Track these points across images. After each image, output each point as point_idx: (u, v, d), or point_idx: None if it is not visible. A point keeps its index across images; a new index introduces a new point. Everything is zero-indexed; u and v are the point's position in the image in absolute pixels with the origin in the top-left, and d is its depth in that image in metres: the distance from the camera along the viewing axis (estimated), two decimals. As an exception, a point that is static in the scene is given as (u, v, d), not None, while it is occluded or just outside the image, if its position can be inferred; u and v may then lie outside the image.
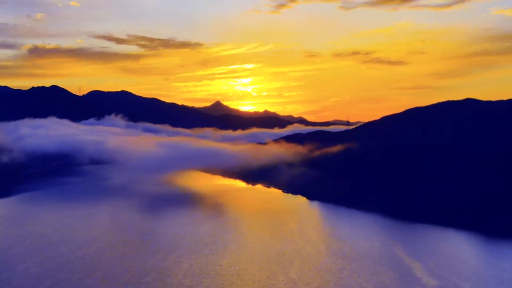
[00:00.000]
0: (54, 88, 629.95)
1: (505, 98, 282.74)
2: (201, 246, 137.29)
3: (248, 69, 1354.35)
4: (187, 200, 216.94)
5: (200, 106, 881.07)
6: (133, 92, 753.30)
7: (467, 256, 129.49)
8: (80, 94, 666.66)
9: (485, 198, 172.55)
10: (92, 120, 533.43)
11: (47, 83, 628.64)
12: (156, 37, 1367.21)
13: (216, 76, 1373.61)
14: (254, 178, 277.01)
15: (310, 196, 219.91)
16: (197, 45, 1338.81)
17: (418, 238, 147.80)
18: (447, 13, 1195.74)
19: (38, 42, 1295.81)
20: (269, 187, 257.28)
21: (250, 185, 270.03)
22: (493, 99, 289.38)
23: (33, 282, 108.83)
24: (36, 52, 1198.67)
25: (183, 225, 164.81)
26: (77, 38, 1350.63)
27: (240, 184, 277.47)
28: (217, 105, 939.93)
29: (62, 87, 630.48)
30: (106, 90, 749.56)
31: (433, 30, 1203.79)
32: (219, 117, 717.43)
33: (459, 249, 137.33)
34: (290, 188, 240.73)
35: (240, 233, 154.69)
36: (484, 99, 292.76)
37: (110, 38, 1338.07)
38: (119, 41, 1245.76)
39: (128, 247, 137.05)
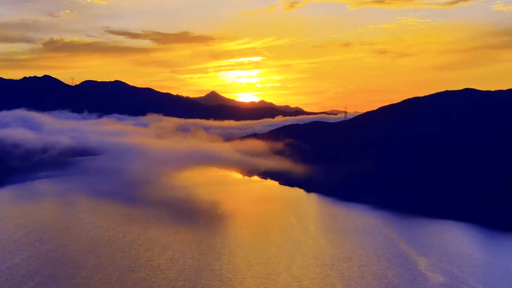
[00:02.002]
0: (46, 78, 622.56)
1: (504, 88, 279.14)
2: (198, 241, 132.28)
3: (256, 62, 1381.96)
4: (181, 192, 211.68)
5: (195, 97, 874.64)
6: (131, 84, 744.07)
7: (472, 250, 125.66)
8: (73, 84, 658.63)
9: (487, 190, 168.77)
10: (81, 111, 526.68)
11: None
12: (171, 31, 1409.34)
13: (223, 68, 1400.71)
14: (250, 170, 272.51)
15: (308, 188, 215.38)
16: (210, 39, 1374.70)
17: (420, 232, 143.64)
18: (450, 10, 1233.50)
19: (56, 37, 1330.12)
20: (266, 179, 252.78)
21: (246, 177, 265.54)
22: (493, 89, 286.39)
23: (22, 278, 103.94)
24: (51, 45, 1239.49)
25: (178, 219, 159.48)
26: (95, 33, 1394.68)
27: (236, 176, 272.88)
28: (213, 95, 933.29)
29: (56, 77, 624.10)
30: (100, 80, 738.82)
31: (437, 25, 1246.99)
32: (213, 107, 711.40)
33: (462, 242, 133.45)
34: (287, 180, 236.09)
35: (238, 227, 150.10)
36: (484, 89, 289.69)
37: (126, 33, 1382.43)
38: (134, 36, 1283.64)
39: (120, 242, 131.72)
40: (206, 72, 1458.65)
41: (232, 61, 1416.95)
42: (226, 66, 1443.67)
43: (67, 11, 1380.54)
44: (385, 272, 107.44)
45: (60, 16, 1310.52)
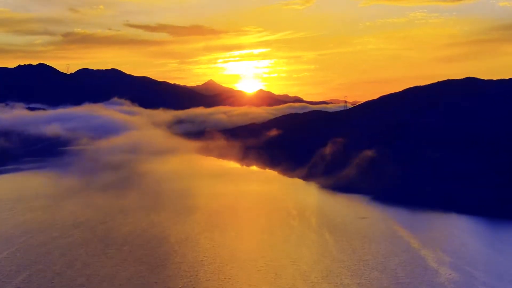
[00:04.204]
0: (41, 66, 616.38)
1: (507, 77, 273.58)
2: (197, 234, 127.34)
3: (265, 53, 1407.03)
4: (178, 183, 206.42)
5: (193, 85, 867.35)
6: (128, 72, 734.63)
7: (476, 243, 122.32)
8: (68, 72, 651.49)
9: (490, 181, 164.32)
10: (73, 100, 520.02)
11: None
12: (187, 25, 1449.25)
13: (232, 59, 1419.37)
14: (248, 159, 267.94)
15: (306, 178, 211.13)
16: (224, 32, 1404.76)
17: (425, 224, 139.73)
18: (457, 6, 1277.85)
19: (77, 30, 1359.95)
20: (264, 169, 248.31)
21: (244, 167, 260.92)
22: (495, 78, 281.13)
23: (9, 273, 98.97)
24: (71, 38, 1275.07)
25: (175, 212, 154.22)
26: (116, 27, 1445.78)
27: (234, 165, 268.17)
28: (210, 84, 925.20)
29: (52, 66, 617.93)
30: (95, 68, 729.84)
31: (443, 20, 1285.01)
32: (208, 96, 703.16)
33: (466, 235, 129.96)
34: (286, 169, 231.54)
35: (238, 219, 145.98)
36: (486, 78, 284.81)
37: (144, 27, 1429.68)
38: (152, 29, 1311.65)
39: (114, 236, 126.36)
40: (215, 63, 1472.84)
41: (242, 52, 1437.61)
42: (235, 56, 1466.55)
43: (93, 6, 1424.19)
44: (393, 266, 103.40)
45: (84, 11, 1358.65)
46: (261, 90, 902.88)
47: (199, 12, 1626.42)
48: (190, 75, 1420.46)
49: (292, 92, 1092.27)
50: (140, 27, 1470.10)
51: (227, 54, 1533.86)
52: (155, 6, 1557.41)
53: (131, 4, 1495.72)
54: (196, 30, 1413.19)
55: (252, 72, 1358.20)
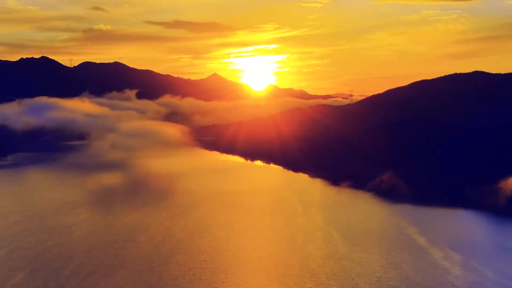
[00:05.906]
0: (44, 59, 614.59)
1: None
2: (201, 232, 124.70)
3: (278, 49, 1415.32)
4: (182, 178, 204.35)
5: (197, 79, 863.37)
6: (130, 65, 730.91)
7: (482, 239, 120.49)
8: (71, 66, 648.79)
9: (494, 176, 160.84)
10: (72, 93, 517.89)
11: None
12: (206, 21, 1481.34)
13: (244, 54, 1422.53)
14: (253, 154, 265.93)
15: (312, 174, 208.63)
16: (240, 29, 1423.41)
17: (432, 221, 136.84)
18: (467, 5, 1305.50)
19: (98, 27, 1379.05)
20: (269, 163, 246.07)
21: (249, 161, 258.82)
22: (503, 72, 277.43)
23: (7, 272, 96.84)
24: (90, 34, 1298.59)
25: (179, 207, 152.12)
26: (136, 24, 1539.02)
27: (239, 160, 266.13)
28: (214, 78, 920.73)
29: (55, 59, 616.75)
30: (98, 62, 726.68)
31: (454, 18, 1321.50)
32: (211, 90, 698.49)
33: (475, 232, 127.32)
34: (290, 164, 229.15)
35: (241, 215, 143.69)
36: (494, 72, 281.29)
37: (163, 24, 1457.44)
38: (170, 26, 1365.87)
39: (112, 234, 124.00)
40: (228, 58, 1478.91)
41: (256, 48, 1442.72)
42: (248, 52, 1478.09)
43: (118, 5, 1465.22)
44: (402, 265, 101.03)
45: (108, 9, 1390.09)
46: (267, 85, 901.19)
47: (218, 10, 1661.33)
48: (203, 69, 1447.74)
49: (299, 86, 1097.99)
50: (160, 24, 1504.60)
51: (242, 49, 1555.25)
52: (177, 4, 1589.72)
53: (155, 2, 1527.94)
54: (213, 27, 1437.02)
55: (262, 67, 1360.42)
